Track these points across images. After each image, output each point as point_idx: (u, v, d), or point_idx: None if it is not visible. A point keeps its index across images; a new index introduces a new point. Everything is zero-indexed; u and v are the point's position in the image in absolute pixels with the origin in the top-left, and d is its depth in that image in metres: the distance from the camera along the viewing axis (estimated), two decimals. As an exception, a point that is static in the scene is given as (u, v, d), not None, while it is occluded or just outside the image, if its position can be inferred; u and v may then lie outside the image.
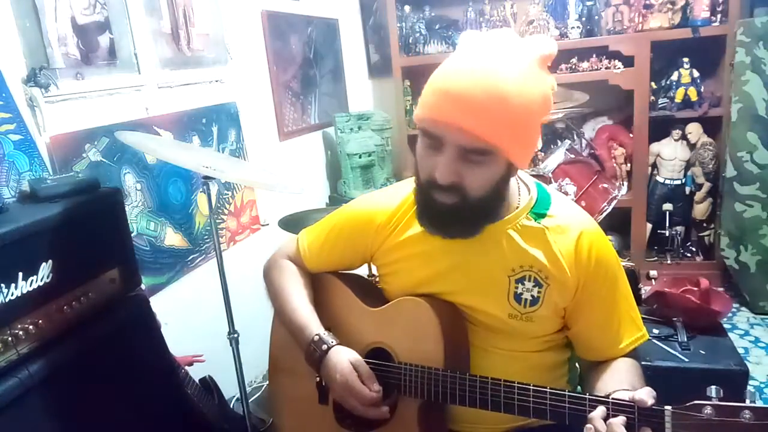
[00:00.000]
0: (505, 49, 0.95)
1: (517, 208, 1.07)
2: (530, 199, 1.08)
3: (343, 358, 1.07)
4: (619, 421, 0.83)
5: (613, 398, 0.88)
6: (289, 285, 1.24)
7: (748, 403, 0.78)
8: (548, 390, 0.93)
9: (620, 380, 0.98)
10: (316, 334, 1.12)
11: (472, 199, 0.97)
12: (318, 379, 1.17)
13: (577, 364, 1.21)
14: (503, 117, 0.90)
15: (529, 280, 1.04)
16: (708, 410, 0.79)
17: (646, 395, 0.84)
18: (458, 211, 0.97)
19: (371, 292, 1.23)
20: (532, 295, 1.04)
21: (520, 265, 1.04)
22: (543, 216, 1.06)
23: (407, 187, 1.16)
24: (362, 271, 1.33)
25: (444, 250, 1.08)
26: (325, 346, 1.10)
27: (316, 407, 1.19)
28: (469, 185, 0.95)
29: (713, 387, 0.81)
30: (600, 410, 0.86)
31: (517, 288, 1.05)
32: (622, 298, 1.08)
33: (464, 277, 1.07)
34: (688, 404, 0.81)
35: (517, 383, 0.96)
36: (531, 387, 0.95)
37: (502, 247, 1.05)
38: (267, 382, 2.31)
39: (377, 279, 1.25)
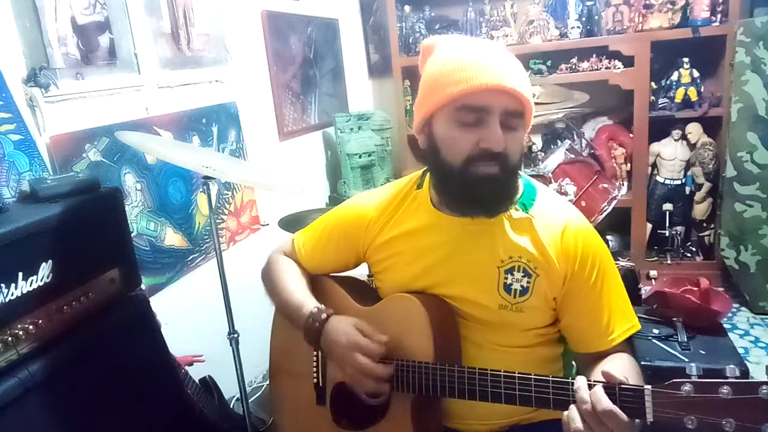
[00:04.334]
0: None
1: None
2: (517, 189, 1.09)
3: (345, 321, 1.09)
4: (599, 390, 0.85)
5: (594, 380, 0.88)
6: (286, 274, 1.25)
7: (729, 378, 0.79)
8: (533, 377, 0.94)
9: (612, 369, 0.97)
10: (315, 307, 1.13)
11: (510, 168, 1.00)
12: (315, 357, 1.19)
13: (573, 362, 1.21)
14: (525, 76, 0.99)
15: (519, 271, 1.05)
16: (687, 387, 0.79)
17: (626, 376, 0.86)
18: (500, 181, 1.00)
19: (365, 293, 1.24)
20: (522, 286, 1.05)
21: (509, 256, 1.05)
22: (530, 206, 1.08)
23: (398, 185, 1.19)
24: (362, 271, 1.33)
25: (435, 242, 1.09)
26: (324, 315, 1.11)
27: (314, 408, 1.20)
28: (509, 152, 0.99)
29: (728, 366, 0.81)
30: (581, 379, 0.87)
31: (506, 278, 1.05)
32: (612, 288, 1.07)
33: (455, 269, 1.08)
34: (667, 383, 0.82)
35: (504, 372, 0.97)
36: (516, 375, 0.95)
37: (493, 238, 1.06)
38: (267, 382, 2.33)
39: (372, 280, 1.26)
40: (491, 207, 1.03)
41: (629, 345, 1.09)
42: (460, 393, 1.01)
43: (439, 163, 1.03)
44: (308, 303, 1.15)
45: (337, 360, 1.09)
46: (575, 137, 2.97)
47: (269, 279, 1.28)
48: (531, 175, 1.32)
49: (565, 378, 0.93)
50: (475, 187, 1.00)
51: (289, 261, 1.29)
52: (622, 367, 0.99)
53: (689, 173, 3.04)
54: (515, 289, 1.05)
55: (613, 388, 0.85)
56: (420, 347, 1.05)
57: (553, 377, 0.93)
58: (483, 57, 0.97)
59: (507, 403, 0.96)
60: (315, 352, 1.21)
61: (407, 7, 3.29)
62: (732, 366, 0.81)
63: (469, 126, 0.97)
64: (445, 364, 1.02)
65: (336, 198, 3.07)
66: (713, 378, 0.79)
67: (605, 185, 2.33)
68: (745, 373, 1.68)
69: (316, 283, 1.28)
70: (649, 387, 0.83)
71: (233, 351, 1.64)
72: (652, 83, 2.93)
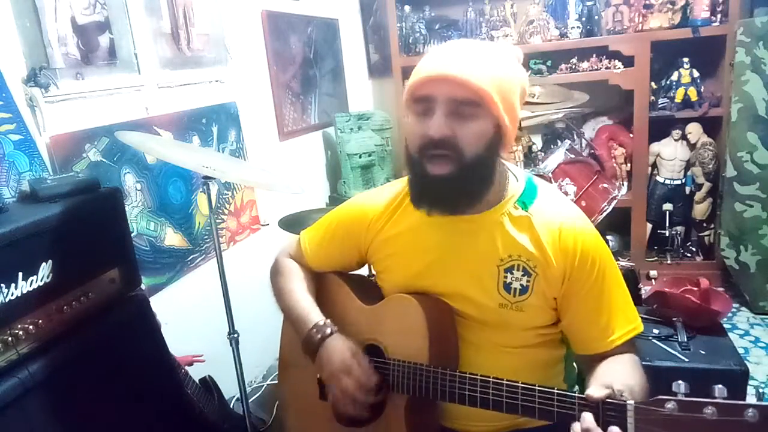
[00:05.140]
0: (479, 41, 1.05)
1: (505, 196, 1.08)
2: (518, 188, 1.09)
3: (346, 344, 1.10)
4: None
5: (578, 395, 0.87)
6: (292, 281, 1.26)
7: (716, 398, 0.76)
8: (537, 387, 0.93)
9: (608, 374, 0.97)
10: (321, 320, 1.14)
11: (467, 160, 0.97)
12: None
13: (575, 364, 1.21)
14: (485, 67, 0.96)
15: (518, 269, 1.05)
16: (671, 405, 0.78)
17: (595, 391, 0.85)
18: (454, 179, 0.98)
19: (370, 291, 1.24)
20: (521, 284, 1.05)
21: (509, 255, 1.05)
22: (530, 204, 1.07)
23: (400, 184, 1.20)
24: (363, 271, 1.33)
25: (434, 241, 1.09)
26: (328, 330, 1.12)
27: (317, 403, 1.21)
28: (462, 140, 0.96)
29: (716, 386, 0.77)
30: (587, 416, 0.85)
31: (506, 277, 1.05)
32: (614, 288, 1.06)
33: (455, 268, 1.08)
34: (651, 399, 0.80)
35: (506, 380, 0.96)
36: (520, 385, 0.94)
37: (492, 237, 1.06)
38: (267, 382, 2.33)
39: (375, 279, 1.26)
40: (448, 205, 1.03)
41: (634, 345, 1.08)
42: (452, 397, 1.00)
43: (406, 153, 1.06)
44: (313, 314, 1.17)
45: (326, 378, 1.10)
46: (575, 137, 2.97)
47: (276, 284, 1.30)
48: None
49: (570, 391, 0.91)
50: (429, 186, 1.01)
51: (295, 265, 1.30)
52: (622, 371, 0.98)
53: (689, 173, 3.04)
54: (515, 288, 1.05)
55: (594, 404, 0.84)
56: (416, 348, 1.05)
57: (539, 387, 0.92)
58: (442, 51, 0.99)
59: (508, 412, 0.95)
60: None
61: (407, 7, 3.29)
62: (720, 386, 0.78)
63: (421, 116, 0.99)
64: (439, 367, 1.02)
65: (336, 198, 3.07)
66: (700, 397, 0.77)
67: (605, 185, 2.33)
68: (745, 373, 1.68)
69: (322, 280, 1.29)
70: (632, 402, 0.82)
71: (233, 351, 1.65)
72: (652, 83, 2.93)
